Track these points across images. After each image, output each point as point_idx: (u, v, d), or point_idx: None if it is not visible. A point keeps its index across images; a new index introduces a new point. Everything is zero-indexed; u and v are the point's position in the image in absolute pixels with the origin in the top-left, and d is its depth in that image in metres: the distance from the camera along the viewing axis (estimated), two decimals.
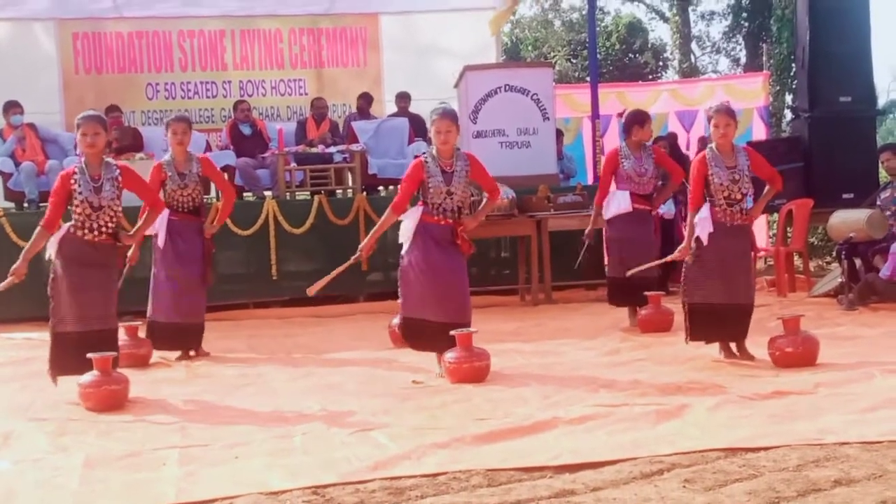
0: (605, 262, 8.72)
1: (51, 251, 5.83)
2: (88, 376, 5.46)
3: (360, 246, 6.25)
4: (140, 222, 6.29)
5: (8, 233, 9.80)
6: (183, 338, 7.34)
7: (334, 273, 6.37)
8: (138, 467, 4.14)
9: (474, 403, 5.22)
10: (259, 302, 10.35)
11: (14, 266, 5.72)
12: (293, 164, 11.04)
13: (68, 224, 5.80)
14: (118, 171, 5.88)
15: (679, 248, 6.37)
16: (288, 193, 10.93)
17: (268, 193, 11.04)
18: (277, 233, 10.27)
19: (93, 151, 5.80)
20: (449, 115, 6.17)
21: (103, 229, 5.77)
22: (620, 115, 9.82)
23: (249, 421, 4.99)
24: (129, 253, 7.20)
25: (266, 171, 11.18)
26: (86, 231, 5.75)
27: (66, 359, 5.71)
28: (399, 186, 6.24)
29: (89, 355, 5.47)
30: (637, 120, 8.02)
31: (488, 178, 6.35)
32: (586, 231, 8.19)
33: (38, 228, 5.81)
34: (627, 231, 7.88)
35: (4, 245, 9.81)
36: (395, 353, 7.01)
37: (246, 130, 11.61)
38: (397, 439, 4.41)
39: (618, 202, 7.91)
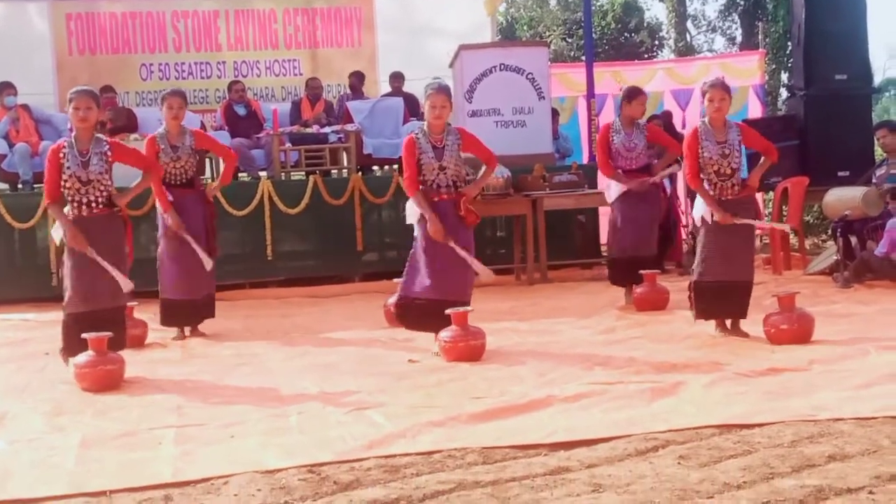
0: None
1: (57, 235, 5.83)
2: (84, 356, 5.45)
3: (432, 233, 5.97)
4: (137, 181, 6.27)
5: (2, 214, 9.81)
6: (197, 312, 7.37)
7: (474, 263, 6.07)
8: (134, 447, 4.15)
9: (470, 382, 5.23)
10: (255, 282, 10.34)
11: (68, 241, 5.71)
12: (288, 145, 11.00)
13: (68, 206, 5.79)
14: (108, 146, 5.86)
15: (721, 216, 6.15)
16: (283, 174, 10.91)
17: (263, 174, 11.03)
18: (272, 213, 10.24)
19: (84, 126, 5.77)
20: (444, 91, 6.14)
21: (93, 204, 5.75)
22: (622, 88, 9.79)
23: (245, 400, 5.00)
24: (170, 223, 7.10)
25: (261, 151, 11.14)
26: (76, 205, 5.73)
27: (77, 339, 5.68)
28: (403, 171, 6.19)
29: (84, 335, 5.46)
30: (626, 96, 8.04)
31: (483, 147, 6.32)
32: (629, 185, 7.81)
33: (48, 206, 5.89)
34: (629, 210, 7.87)
35: None
36: (390, 333, 7.01)
37: (240, 111, 11.57)
38: (393, 418, 4.42)
39: (616, 183, 7.91)
